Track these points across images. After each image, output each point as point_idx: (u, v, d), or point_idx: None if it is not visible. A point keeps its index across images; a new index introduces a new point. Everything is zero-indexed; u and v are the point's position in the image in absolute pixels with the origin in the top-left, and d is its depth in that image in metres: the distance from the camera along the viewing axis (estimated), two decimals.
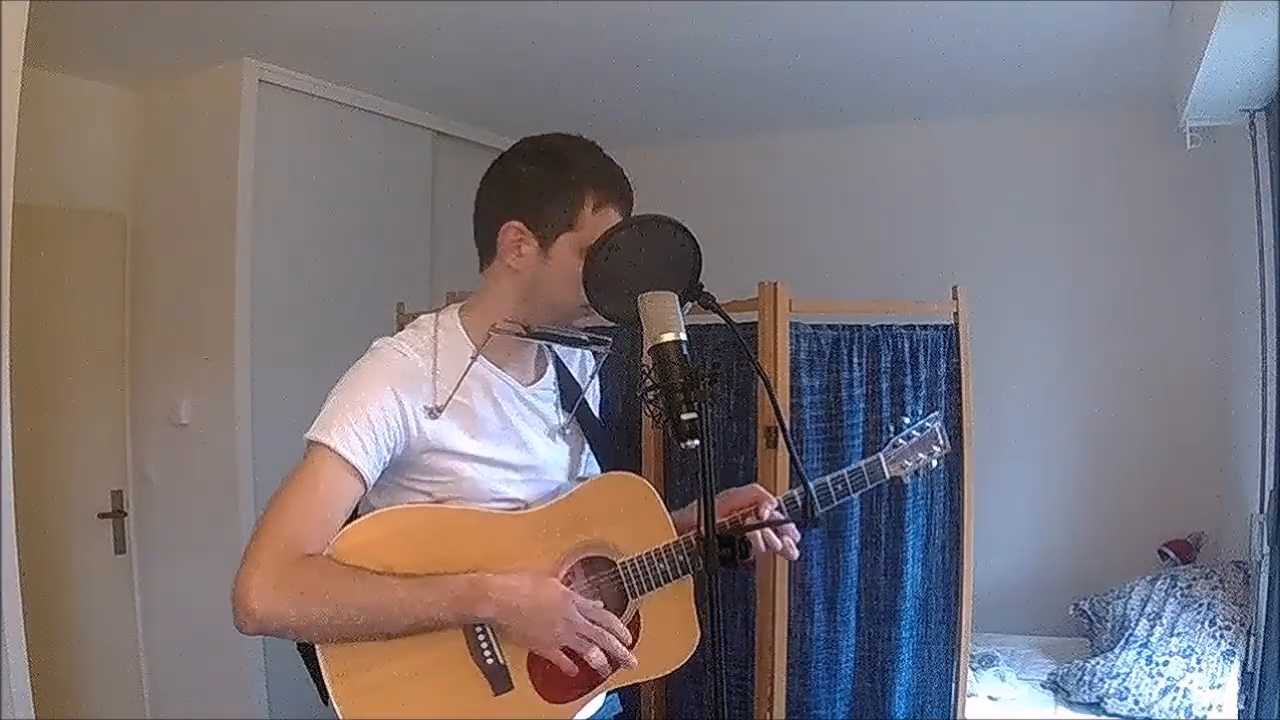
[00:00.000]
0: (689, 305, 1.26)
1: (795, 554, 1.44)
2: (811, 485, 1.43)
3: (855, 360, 2.37)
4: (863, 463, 1.55)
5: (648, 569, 1.37)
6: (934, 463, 1.63)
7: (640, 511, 1.40)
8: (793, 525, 1.43)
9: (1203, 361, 3.40)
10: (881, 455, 1.57)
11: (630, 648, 1.33)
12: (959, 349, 2.48)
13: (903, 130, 3.81)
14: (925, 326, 2.46)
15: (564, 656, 1.28)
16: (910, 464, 1.60)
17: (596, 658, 1.29)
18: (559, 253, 1.31)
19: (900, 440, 1.60)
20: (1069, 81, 3.20)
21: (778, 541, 1.41)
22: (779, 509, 1.43)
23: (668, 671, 1.43)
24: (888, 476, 1.57)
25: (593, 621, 1.29)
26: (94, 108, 3.12)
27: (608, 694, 1.43)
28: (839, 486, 1.51)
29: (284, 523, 1.19)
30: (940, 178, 3.80)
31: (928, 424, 1.63)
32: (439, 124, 3.74)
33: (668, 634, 1.40)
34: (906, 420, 1.63)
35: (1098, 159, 3.59)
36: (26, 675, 1.88)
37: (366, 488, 1.25)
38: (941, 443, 1.63)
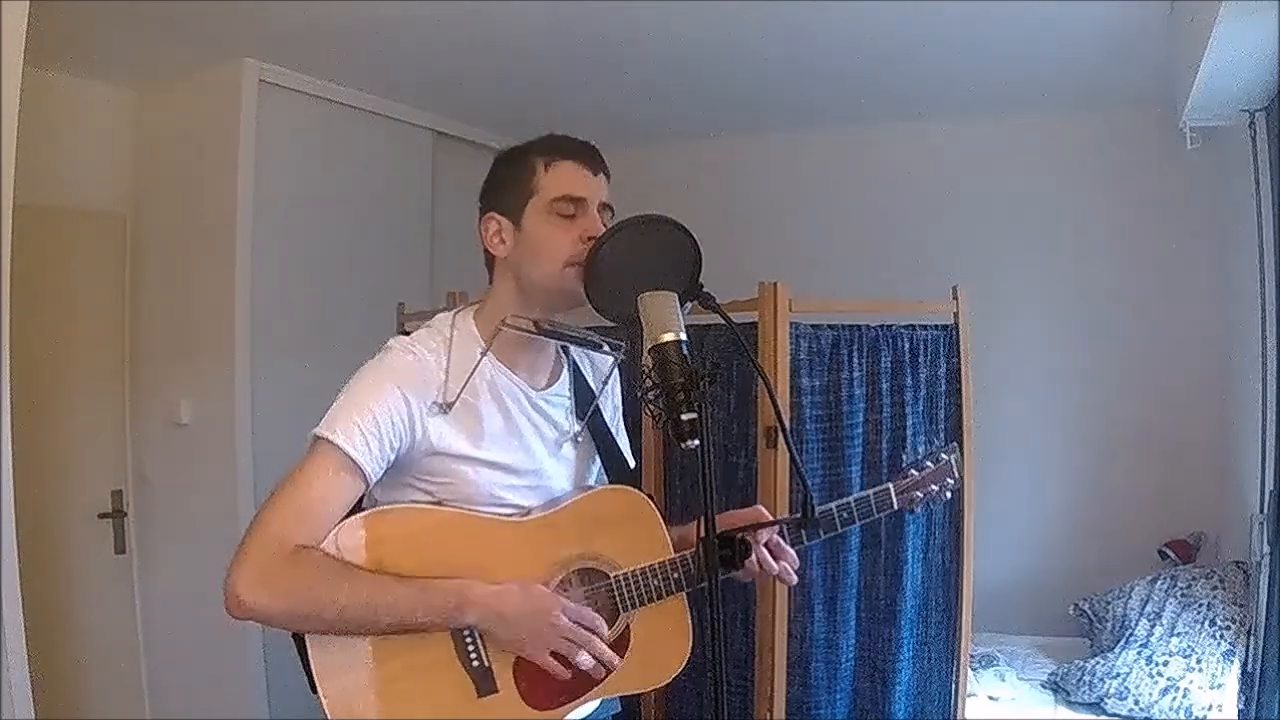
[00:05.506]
0: (689, 305, 1.26)
1: (793, 579, 1.43)
2: (816, 510, 1.43)
3: (855, 360, 2.36)
4: (871, 492, 1.51)
5: (641, 584, 1.36)
6: (948, 494, 1.57)
7: (638, 526, 1.40)
8: (791, 551, 1.42)
9: (1203, 361, 3.40)
10: (891, 485, 1.53)
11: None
12: (959, 349, 2.48)
13: (903, 130, 3.80)
14: (925, 326, 2.46)
15: (552, 661, 1.28)
16: (921, 495, 1.55)
17: (584, 660, 1.29)
18: (530, 222, 1.34)
19: (913, 471, 1.54)
20: (1069, 81, 3.20)
21: (773, 564, 1.39)
22: (779, 528, 1.42)
23: (654, 687, 1.43)
24: (895, 508, 1.53)
25: (578, 624, 1.28)
26: (94, 108, 3.12)
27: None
28: (844, 514, 1.48)
29: (281, 516, 1.19)
30: (940, 178, 3.79)
31: (943, 455, 1.56)
32: (439, 124, 3.74)
33: (657, 649, 1.40)
34: (920, 450, 1.57)
35: (1098, 159, 3.58)
36: (26, 675, 1.88)
37: (368, 485, 1.25)
38: (955, 476, 1.57)
